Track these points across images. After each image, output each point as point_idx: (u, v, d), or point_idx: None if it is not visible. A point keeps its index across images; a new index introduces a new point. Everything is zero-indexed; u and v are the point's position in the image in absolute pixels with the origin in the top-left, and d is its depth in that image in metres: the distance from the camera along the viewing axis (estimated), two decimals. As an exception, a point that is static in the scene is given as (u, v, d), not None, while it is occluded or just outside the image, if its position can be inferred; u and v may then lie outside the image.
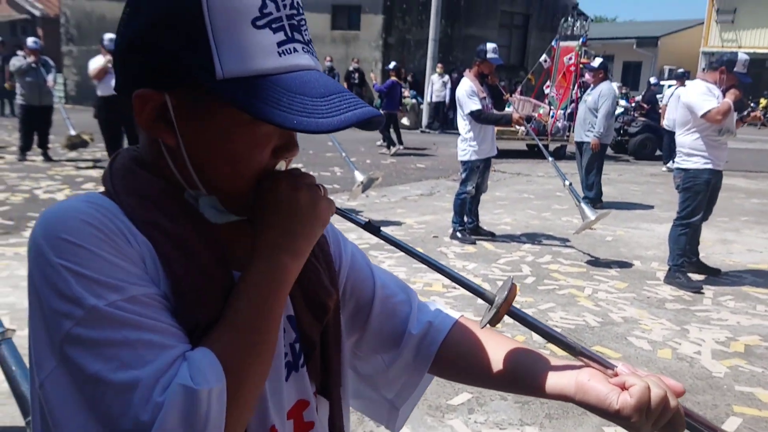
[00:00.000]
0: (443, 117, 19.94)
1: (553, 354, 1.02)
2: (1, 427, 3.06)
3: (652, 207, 9.28)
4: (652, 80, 18.25)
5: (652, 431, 0.88)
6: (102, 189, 0.85)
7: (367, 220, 0.99)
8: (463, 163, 6.72)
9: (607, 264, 6.27)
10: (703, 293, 5.45)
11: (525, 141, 14.19)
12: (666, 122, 11.99)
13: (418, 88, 20.69)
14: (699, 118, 5.28)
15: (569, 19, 15.05)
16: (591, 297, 5.26)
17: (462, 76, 7.07)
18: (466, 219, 6.98)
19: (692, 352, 4.24)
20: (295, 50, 0.79)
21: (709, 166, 5.40)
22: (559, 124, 13.63)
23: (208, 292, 0.80)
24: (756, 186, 11.65)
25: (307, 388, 0.97)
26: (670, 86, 16.79)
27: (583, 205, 6.20)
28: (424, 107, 20.00)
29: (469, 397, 3.52)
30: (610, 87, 8.81)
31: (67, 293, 0.71)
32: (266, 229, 0.83)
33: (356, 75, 20.53)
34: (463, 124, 6.59)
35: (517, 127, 7.05)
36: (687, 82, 6.77)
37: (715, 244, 7.07)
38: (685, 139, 5.48)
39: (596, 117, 8.58)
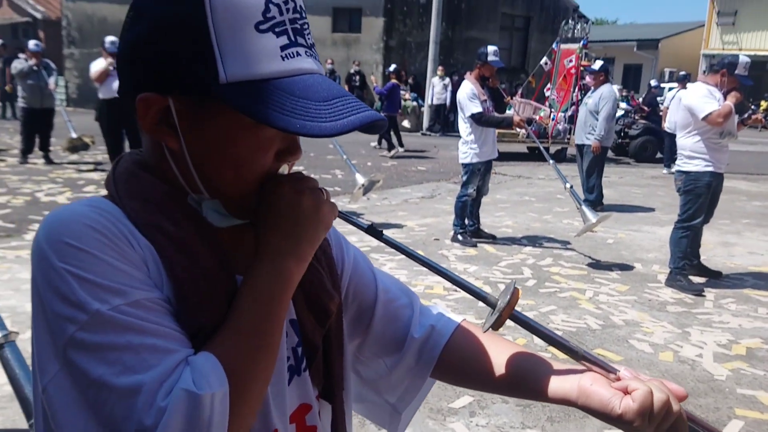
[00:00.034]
0: (444, 119, 19.96)
1: (555, 357, 1.02)
2: (4, 430, 3.06)
3: (653, 210, 9.28)
4: (653, 83, 18.28)
5: None
6: (104, 192, 0.85)
7: (369, 223, 0.99)
8: (464, 165, 6.72)
9: (609, 267, 6.26)
10: (704, 296, 5.44)
11: (526, 144, 14.19)
12: (667, 125, 11.98)
13: (419, 90, 20.70)
14: (700, 121, 5.28)
15: (570, 21, 15.05)
16: (592, 300, 5.26)
17: (463, 79, 7.07)
18: (467, 222, 6.98)
19: (694, 355, 4.24)
20: (298, 54, 0.79)
21: (711, 169, 5.40)
22: (560, 127, 13.62)
23: (211, 296, 0.80)
24: (757, 188, 11.65)
25: (310, 392, 0.97)
26: (671, 89, 16.80)
27: (584, 207, 6.19)
28: (425, 110, 20.02)
29: (471, 400, 3.52)
30: (611, 89, 8.80)
31: (71, 297, 0.71)
32: (269, 232, 0.83)
33: (357, 78, 20.55)
34: (464, 126, 6.59)
35: (518, 129, 7.05)
36: (688, 85, 6.78)
37: (717, 247, 7.07)
38: (686, 142, 5.48)
39: (597, 120, 8.57)
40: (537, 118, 13.34)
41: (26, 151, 10.83)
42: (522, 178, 12.02)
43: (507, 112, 11.03)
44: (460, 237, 6.88)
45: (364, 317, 1.09)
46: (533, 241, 7.18)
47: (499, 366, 1.04)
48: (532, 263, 6.27)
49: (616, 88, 10.48)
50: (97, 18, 24.57)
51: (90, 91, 15.76)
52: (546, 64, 13.73)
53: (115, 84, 9.09)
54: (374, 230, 0.97)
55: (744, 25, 27.45)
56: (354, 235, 4.50)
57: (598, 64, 9.18)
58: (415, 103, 20.15)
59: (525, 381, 1.01)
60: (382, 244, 0.99)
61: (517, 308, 0.95)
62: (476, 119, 6.39)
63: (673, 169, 6.92)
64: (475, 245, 6.80)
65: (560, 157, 13.61)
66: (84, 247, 0.73)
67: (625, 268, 6.24)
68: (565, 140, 13.57)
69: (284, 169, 0.87)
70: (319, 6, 21.34)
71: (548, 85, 14.18)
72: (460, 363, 1.09)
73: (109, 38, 9.35)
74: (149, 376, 0.69)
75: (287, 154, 0.86)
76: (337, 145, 7.40)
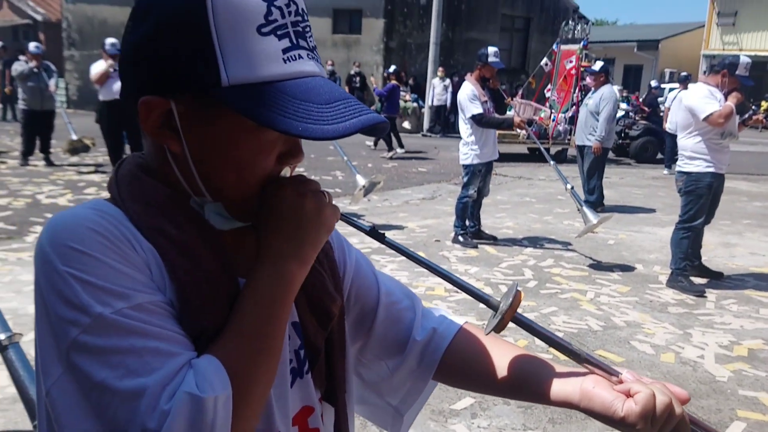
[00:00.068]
0: (444, 120, 19.96)
1: (556, 358, 1.02)
2: (13, 431, 3.07)
3: (654, 210, 9.28)
4: (653, 83, 18.25)
5: None
6: (105, 194, 0.85)
7: (371, 225, 0.99)
8: (465, 166, 6.72)
9: (610, 268, 6.26)
10: (705, 297, 5.44)
11: (526, 144, 14.20)
12: (669, 125, 11.98)
13: (420, 91, 20.71)
14: (701, 122, 5.28)
15: (570, 22, 15.06)
16: (593, 301, 5.25)
17: (463, 80, 7.07)
18: (468, 223, 6.98)
19: (695, 356, 4.23)
20: (300, 57, 0.79)
21: (712, 170, 5.40)
22: (560, 128, 13.62)
23: (214, 299, 0.80)
24: (758, 189, 11.65)
25: (312, 395, 0.97)
26: (671, 89, 16.80)
27: (585, 208, 6.19)
28: (426, 111, 20.02)
29: (472, 401, 3.52)
30: (612, 90, 8.80)
31: (74, 301, 0.71)
32: (271, 235, 0.83)
33: (357, 79, 20.56)
34: (465, 127, 6.59)
35: (519, 130, 7.06)
36: (689, 85, 6.77)
37: (718, 248, 7.07)
38: (687, 143, 5.48)
39: (597, 120, 8.57)
40: (537, 119, 13.33)
41: (27, 153, 10.84)
42: (522, 179, 12.02)
43: (507, 113, 11.04)
44: (461, 238, 6.88)
45: (366, 320, 1.09)
46: (534, 242, 7.18)
47: (501, 369, 1.04)
48: (533, 264, 6.27)
49: (616, 88, 10.48)
50: (98, 20, 24.58)
51: (90, 93, 15.76)
52: (546, 65, 13.72)
53: (116, 86, 9.12)
54: (377, 233, 0.97)
55: (744, 25, 27.44)
56: (355, 236, 4.49)
57: (598, 65, 9.17)
58: (415, 105, 20.15)
59: (527, 384, 1.01)
60: (383, 246, 0.99)
61: (519, 310, 0.95)
62: (477, 120, 6.39)
63: (673, 170, 6.92)
64: (475, 246, 6.80)
65: (561, 158, 13.61)
66: (87, 250, 0.73)
67: (626, 269, 6.24)
68: (566, 141, 13.57)
69: (286, 172, 0.87)
70: (319, 7, 21.36)
71: (548, 86, 14.18)
72: (462, 365, 1.09)
73: (110, 40, 9.36)
74: (152, 380, 0.69)
75: (289, 156, 0.86)
76: (338, 147, 7.40)
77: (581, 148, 8.99)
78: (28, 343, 1.85)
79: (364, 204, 8.56)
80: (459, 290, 1.01)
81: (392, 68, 16.27)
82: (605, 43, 32.79)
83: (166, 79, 0.78)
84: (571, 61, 13.27)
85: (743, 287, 5.78)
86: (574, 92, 13.25)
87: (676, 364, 4.11)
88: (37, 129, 10.74)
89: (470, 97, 6.42)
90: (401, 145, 14.37)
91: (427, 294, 5.19)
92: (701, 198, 5.48)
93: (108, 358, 0.69)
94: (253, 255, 0.83)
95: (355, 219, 0.99)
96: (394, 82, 14.93)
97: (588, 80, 10.25)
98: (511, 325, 0.95)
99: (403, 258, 1.01)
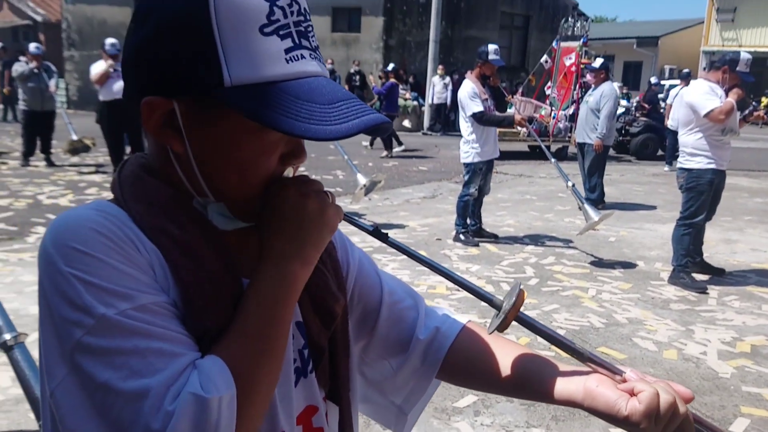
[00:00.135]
0: (445, 119, 19.95)
1: (558, 356, 1.02)
2: (17, 431, 3.08)
3: (654, 207, 9.28)
4: (653, 80, 18.24)
5: None
6: (106, 194, 0.86)
7: (374, 225, 0.99)
8: (466, 165, 6.72)
9: (611, 265, 6.26)
10: (707, 293, 5.44)
11: (527, 142, 14.19)
12: (670, 122, 11.99)
13: (420, 90, 20.70)
14: (702, 118, 5.28)
15: (569, 19, 15.05)
16: (595, 298, 5.25)
17: (463, 78, 7.06)
18: (469, 221, 6.98)
19: (698, 352, 4.23)
20: (303, 57, 0.79)
21: (713, 166, 5.40)
22: (561, 125, 13.63)
23: (217, 299, 0.80)
24: (759, 185, 11.64)
25: (316, 394, 0.97)
26: (671, 86, 16.78)
27: (586, 205, 6.19)
28: (426, 109, 20.01)
29: (475, 399, 3.52)
30: (612, 87, 8.80)
31: (77, 302, 0.71)
32: (274, 236, 0.82)
33: (357, 77, 20.55)
34: (465, 126, 6.59)
35: (519, 128, 7.05)
36: (691, 82, 6.77)
37: (719, 244, 7.07)
38: (688, 139, 5.48)
39: (598, 117, 8.56)
40: (538, 116, 13.35)
41: (27, 154, 10.85)
42: (523, 176, 12.02)
43: (508, 110, 11.05)
44: (462, 236, 6.87)
45: (370, 319, 1.09)
46: (535, 239, 7.17)
47: (505, 367, 1.04)
48: (535, 262, 6.27)
49: (616, 85, 10.47)
50: (97, 20, 24.59)
51: (90, 94, 15.74)
52: (546, 62, 13.74)
53: (116, 86, 9.10)
54: (379, 233, 0.97)
55: (743, 21, 27.43)
56: (356, 235, 4.50)
57: (598, 62, 9.16)
58: (415, 103, 20.14)
59: (530, 382, 1.01)
60: (385, 245, 0.99)
61: (521, 308, 0.95)
62: (477, 118, 6.38)
63: (674, 167, 6.92)
64: (477, 245, 6.79)
65: (561, 155, 13.61)
66: (90, 251, 0.73)
67: (627, 266, 6.24)
68: (566, 138, 13.58)
69: (289, 172, 0.87)
70: (318, 6, 21.34)
71: (549, 84, 14.18)
72: (465, 364, 1.09)
73: (110, 40, 9.35)
74: (156, 380, 0.69)
75: (292, 157, 0.86)
76: (339, 146, 7.40)
77: (582, 146, 8.99)
78: (31, 343, 1.86)
79: (365, 203, 8.56)
80: (461, 289, 1.01)
81: (390, 66, 16.25)
82: (605, 40, 32.76)
83: (169, 79, 0.78)
84: (570, 58, 13.28)
85: (745, 283, 5.78)
86: (574, 89, 13.25)
87: (679, 360, 4.11)
88: (38, 129, 10.75)
89: (471, 95, 6.41)
90: (400, 143, 14.35)
91: (428, 293, 5.19)
92: (702, 195, 5.48)
93: (112, 359, 0.69)
94: (256, 255, 0.83)
95: (357, 219, 0.99)
96: (392, 80, 14.92)
97: (588, 77, 10.25)
98: (513, 323, 0.94)
99: (405, 257, 1.02)
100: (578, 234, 6.71)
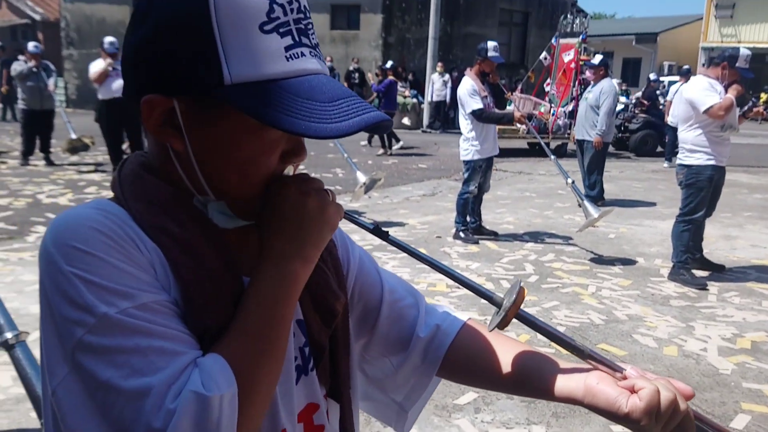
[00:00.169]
0: (444, 116, 19.93)
1: (558, 353, 1.02)
2: (18, 430, 3.08)
3: (654, 204, 9.28)
4: (652, 76, 18.22)
5: None
6: (105, 193, 0.86)
7: (374, 224, 0.99)
8: (466, 162, 6.72)
9: (611, 261, 6.26)
10: (707, 290, 5.44)
11: (526, 139, 14.20)
12: (671, 118, 11.99)
13: (419, 87, 20.67)
14: (701, 114, 5.28)
15: (568, 16, 15.03)
16: (595, 295, 5.26)
17: (462, 75, 7.06)
18: (468, 219, 6.98)
19: (698, 349, 4.24)
20: (303, 54, 0.78)
21: (712, 162, 5.40)
22: (560, 122, 13.62)
23: (218, 298, 0.80)
24: (758, 181, 11.64)
25: (317, 392, 0.98)
26: (670, 82, 16.76)
27: (586, 202, 6.19)
28: (425, 107, 19.99)
29: (476, 396, 3.52)
30: (611, 84, 8.79)
31: (79, 301, 0.71)
32: (275, 235, 0.82)
33: (356, 75, 20.53)
34: (465, 123, 6.58)
35: (519, 125, 7.05)
36: (691, 78, 6.77)
37: (719, 240, 7.07)
38: (688, 135, 5.48)
39: (597, 114, 8.55)
40: (537, 113, 13.34)
41: (27, 153, 10.84)
42: (523, 174, 12.01)
43: (507, 107, 11.05)
44: (461, 234, 6.87)
45: (370, 317, 1.09)
46: (535, 237, 7.18)
47: (505, 365, 1.04)
48: (534, 259, 6.27)
49: (615, 82, 10.46)
50: (96, 19, 24.57)
51: (89, 92, 15.73)
52: (545, 59, 13.72)
53: (115, 84, 9.09)
54: (380, 231, 0.97)
55: (742, 17, 27.42)
56: (356, 233, 4.50)
57: (598, 59, 9.16)
58: (414, 100, 20.12)
59: (530, 380, 1.01)
60: (385, 243, 0.99)
61: (521, 305, 0.95)
62: (477, 116, 6.38)
63: (674, 163, 6.91)
64: (476, 242, 6.79)
65: (560, 152, 13.59)
66: (91, 250, 0.73)
67: (627, 262, 6.24)
68: (566, 135, 13.57)
69: (289, 170, 0.87)
70: (317, 3, 21.30)
71: (548, 80, 14.17)
72: (465, 362, 1.10)
73: (108, 39, 9.35)
74: (157, 379, 0.69)
75: (292, 155, 0.85)
76: (338, 144, 7.40)
77: (581, 143, 8.98)
78: (32, 342, 1.86)
79: (365, 201, 8.56)
80: (461, 286, 1.02)
81: (389, 64, 16.22)
82: (604, 36, 32.74)
83: (168, 77, 0.78)
84: (569, 55, 13.26)
85: (745, 279, 5.78)
86: (574, 86, 13.24)
87: (679, 357, 4.11)
88: (37, 128, 10.75)
89: (470, 93, 6.41)
90: (397, 140, 14.32)
91: (428, 290, 5.20)
92: (702, 191, 5.48)
93: (113, 358, 0.69)
94: (256, 253, 0.83)
95: (357, 217, 0.99)
96: (391, 77, 14.90)
97: (588, 74, 10.24)
98: (513, 320, 0.95)
99: (405, 255, 1.02)
100: (578, 231, 6.71)
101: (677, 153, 5.73)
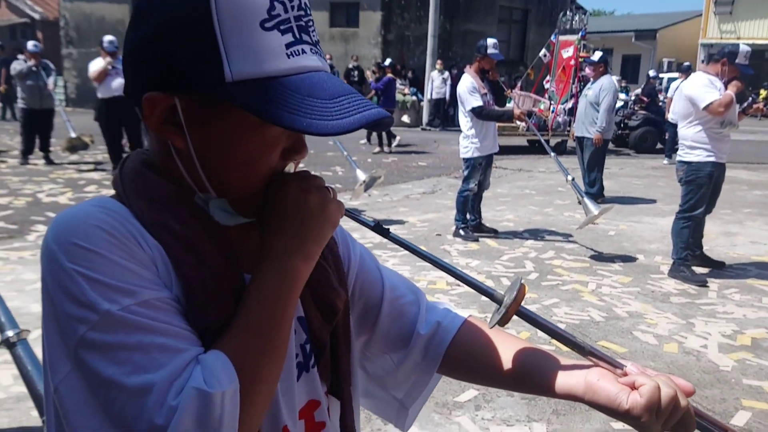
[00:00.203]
0: (444, 114, 19.91)
1: (559, 350, 1.02)
2: (18, 428, 3.08)
3: (654, 201, 9.28)
4: (651, 73, 18.21)
5: (662, 431, 0.88)
6: (105, 192, 0.86)
7: (375, 221, 0.99)
8: (466, 160, 6.72)
9: (611, 258, 6.26)
10: (707, 286, 5.44)
11: (526, 137, 14.19)
12: (671, 115, 11.98)
13: (418, 85, 20.65)
14: (701, 111, 5.27)
15: (568, 13, 15.02)
16: (595, 292, 5.26)
17: (462, 72, 7.05)
18: (468, 216, 6.98)
19: (699, 345, 4.24)
20: (304, 52, 0.79)
21: (712, 159, 5.40)
22: (560, 119, 13.61)
23: (219, 295, 0.80)
24: (758, 178, 11.64)
25: (318, 389, 0.98)
26: (671, 79, 16.74)
27: (586, 199, 6.19)
28: (425, 104, 19.97)
29: (476, 393, 3.52)
30: (611, 81, 8.77)
31: (81, 298, 0.71)
32: (276, 232, 0.83)
33: (355, 73, 20.51)
34: (464, 120, 6.58)
35: (519, 122, 7.04)
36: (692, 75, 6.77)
37: (719, 237, 7.07)
38: (688, 132, 5.48)
39: (597, 111, 8.54)
40: (537, 110, 13.33)
41: (26, 152, 10.84)
42: (522, 171, 12.01)
43: (507, 105, 11.04)
44: (461, 232, 6.87)
45: (371, 314, 1.10)
46: (535, 234, 7.18)
47: (506, 361, 1.04)
48: (534, 256, 6.27)
49: (615, 79, 10.46)
50: (95, 17, 24.55)
51: (88, 91, 15.74)
52: (545, 56, 13.71)
53: (114, 83, 9.08)
54: (381, 228, 0.97)
55: (741, 14, 27.39)
56: (356, 231, 4.51)
57: (597, 55, 9.14)
58: (414, 98, 20.10)
59: (531, 376, 1.01)
60: (385, 241, 1.00)
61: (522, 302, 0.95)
62: (477, 113, 6.38)
63: (673, 160, 6.91)
64: (476, 240, 6.79)
65: (560, 149, 13.59)
66: (93, 247, 0.73)
67: (627, 259, 6.24)
68: (565, 132, 13.57)
69: (290, 168, 0.87)
70: (316, 0, 21.27)
71: (547, 78, 14.16)
72: (466, 359, 1.10)
73: (108, 37, 9.35)
74: (159, 376, 0.69)
75: (293, 152, 0.86)
76: (338, 142, 7.40)
77: (581, 140, 8.97)
78: (33, 340, 1.86)
79: (365, 199, 8.56)
80: (461, 284, 1.02)
81: (387, 61, 16.20)
82: (603, 33, 32.74)
83: (170, 75, 0.78)
84: (568, 52, 13.25)
85: (745, 276, 5.78)
86: (573, 83, 13.23)
87: (680, 354, 4.12)
88: (37, 128, 10.75)
89: (470, 90, 6.40)
90: (394, 136, 14.29)
91: (429, 288, 5.20)
92: (702, 187, 5.48)
93: (115, 355, 0.70)
94: (257, 250, 0.83)
95: (359, 215, 0.99)
96: (389, 75, 14.87)
97: (587, 71, 10.23)
98: (514, 317, 0.95)
99: (405, 252, 1.02)
100: (578, 228, 6.71)
101: (677, 150, 5.73)
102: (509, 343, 1.07)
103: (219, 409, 0.70)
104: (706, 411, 0.96)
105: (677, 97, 6.58)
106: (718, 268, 5.92)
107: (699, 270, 5.75)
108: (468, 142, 6.60)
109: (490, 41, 6.59)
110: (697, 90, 5.32)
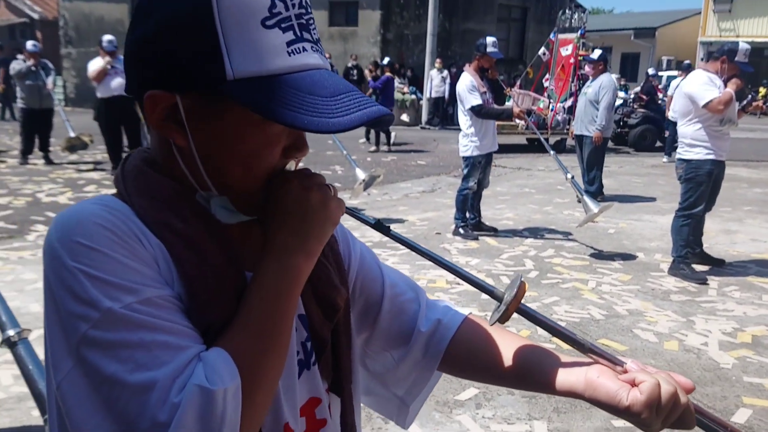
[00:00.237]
0: (443, 112, 19.90)
1: (559, 348, 1.02)
2: (20, 427, 3.08)
3: (654, 199, 9.28)
4: (651, 71, 18.20)
5: (663, 428, 0.88)
6: (106, 191, 0.86)
7: (375, 219, 0.99)
8: (465, 158, 6.72)
9: (611, 256, 6.27)
10: (707, 284, 5.45)
11: (525, 135, 14.18)
12: (671, 113, 11.98)
13: (417, 83, 20.64)
14: (701, 109, 5.28)
15: (567, 11, 15.01)
16: (595, 290, 5.26)
17: (461, 71, 7.05)
18: (468, 215, 6.98)
19: (699, 343, 4.24)
20: (305, 50, 0.79)
21: (712, 157, 5.40)
22: (559, 117, 13.61)
23: (221, 293, 0.80)
24: (758, 175, 11.65)
25: (319, 386, 0.98)
26: (670, 77, 16.73)
27: (585, 197, 6.19)
28: (424, 103, 19.96)
29: (477, 392, 3.53)
30: (611, 79, 8.76)
31: (83, 296, 0.71)
32: (277, 229, 0.83)
33: (355, 72, 20.50)
34: (464, 119, 6.58)
35: (518, 121, 7.04)
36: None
37: (719, 235, 7.07)
38: (687, 130, 5.48)
39: (597, 109, 8.53)
40: (536, 109, 13.33)
41: (26, 152, 10.84)
42: (522, 169, 12.01)
43: (506, 103, 11.04)
44: (461, 230, 6.88)
45: (371, 312, 1.10)
46: (534, 232, 7.18)
47: (506, 359, 1.04)
48: (534, 255, 6.27)
49: (614, 77, 10.45)
50: (94, 17, 24.54)
51: (88, 91, 15.72)
52: (544, 54, 13.71)
53: (113, 83, 9.07)
54: (381, 226, 0.98)
55: (740, 12, 27.40)
56: (357, 229, 4.50)
57: (597, 54, 9.13)
58: (413, 97, 20.08)
59: (531, 373, 1.01)
60: (385, 239, 1.00)
61: (522, 300, 0.95)
62: (476, 111, 6.38)
63: (673, 158, 6.91)
64: (476, 238, 6.80)
65: (560, 147, 13.57)
66: (95, 245, 0.73)
67: (627, 257, 6.25)
68: (565, 131, 13.56)
69: (291, 166, 0.88)
70: (315, 0, 21.27)
71: (546, 76, 14.15)
72: (466, 356, 1.10)
73: (107, 37, 9.34)
74: (162, 373, 0.70)
75: (294, 150, 0.86)
76: (337, 141, 7.40)
77: (580, 138, 8.96)
78: (34, 340, 1.86)
79: (364, 198, 8.56)
80: (461, 282, 1.02)
81: (386, 60, 16.18)
82: (602, 31, 32.73)
83: (171, 73, 0.78)
84: (568, 50, 13.25)
85: (745, 274, 5.79)
86: (572, 82, 13.23)
87: (680, 351, 4.12)
88: (36, 127, 10.74)
89: (469, 88, 6.40)
90: (389, 133, 14.24)
91: (428, 286, 5.20)
92: (701, 185, 5.48)
93: (118, 352, 0.70)
94: (259, 248, 0.84)
95: (359, 213, 0.99)
96: (388, 74, 14.86)
97: (587, 69, 10.22)
98: (514, 315, 0.95)
99: (405, 250, 1.02)
100: (577, 226, 6.72)
101: (677, 148, 5.73)
102: (510, 340, 1.07)
103: (221, 406, 0.70)
104: (707, 409, 0.96)
105: (677, 95, 6.57)
106: (718, 266, 5.93)
107: (699, 268, 5.76)
108: (467, 140, 6.60)
109: (490, 40, 6.58)
110: (696, 88, 5.33)
